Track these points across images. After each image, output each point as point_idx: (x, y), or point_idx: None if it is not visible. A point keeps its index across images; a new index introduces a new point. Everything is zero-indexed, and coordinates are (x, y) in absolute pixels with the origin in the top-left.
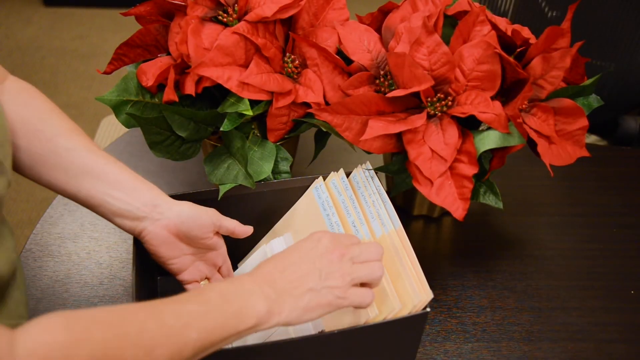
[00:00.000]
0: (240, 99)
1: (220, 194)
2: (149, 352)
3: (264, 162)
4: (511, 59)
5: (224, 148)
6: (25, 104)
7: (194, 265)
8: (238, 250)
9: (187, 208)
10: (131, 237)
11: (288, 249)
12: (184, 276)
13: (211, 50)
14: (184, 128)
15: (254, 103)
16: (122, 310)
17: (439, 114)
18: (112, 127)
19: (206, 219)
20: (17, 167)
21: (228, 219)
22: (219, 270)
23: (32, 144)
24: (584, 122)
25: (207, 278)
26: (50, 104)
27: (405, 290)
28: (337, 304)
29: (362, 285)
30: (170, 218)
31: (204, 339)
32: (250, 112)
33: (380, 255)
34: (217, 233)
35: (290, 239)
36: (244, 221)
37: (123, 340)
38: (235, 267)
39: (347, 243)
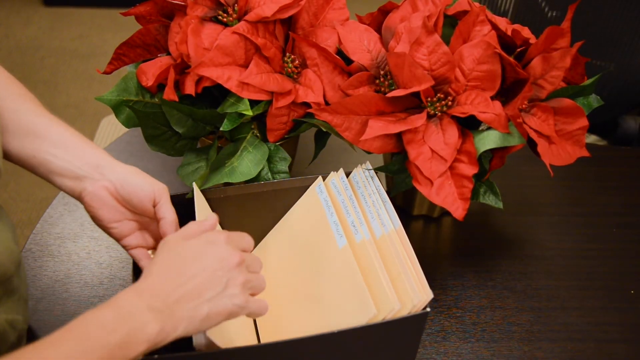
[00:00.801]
0: (240, 99)
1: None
2: None
3: (252, 165)
4: (511, 59)
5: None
6: None
7: (139, 233)
8: None
9: (131, 174)
10: None
11: (181, 251)
12: (127, 241)
13: (211, 50)
14: (182, 124)
15: (253, 103)
16: None
17: (439, 114)
18: (112, 127)
19: (148, 191)
20: None
21: (170, 207)
22: None
23: None
24: (584, 122)
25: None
26: (0, 70)
27: (405, 290)
28: (236, 312)
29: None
30: (111, 180)
31: None
32: (250, 112)
33: (261, 267)
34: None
35: None
36: (244, 221)
37: None
38: None
39: (242, 245)
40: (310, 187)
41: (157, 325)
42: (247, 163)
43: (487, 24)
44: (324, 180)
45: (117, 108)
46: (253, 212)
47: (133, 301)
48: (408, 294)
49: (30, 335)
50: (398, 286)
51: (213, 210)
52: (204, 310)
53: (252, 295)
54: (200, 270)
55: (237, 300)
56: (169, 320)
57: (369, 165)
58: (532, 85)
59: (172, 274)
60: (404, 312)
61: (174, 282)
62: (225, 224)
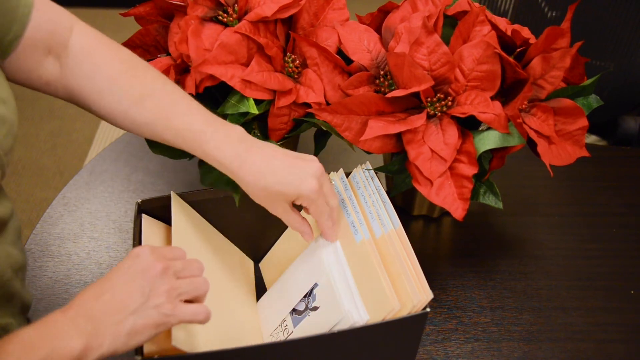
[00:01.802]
0: (241, 100)
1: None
2: None
3: None
4: (511, 59)
5: None
6: (94, 72)
7: None
8: (258, 247)
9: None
10: (131, 236)
11: (109, 272)
12: None
13: (215, 48)
14: None
15: (255, 103)
16: None
17: (439, 114)
18: (112, 127)
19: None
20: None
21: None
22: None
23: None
24: (583, 122)
25: None
26: (116, 70)
27: (405, 290)
28: (165, 322)
29: (190, 301)
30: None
31: None
32: (255, 111)
33: (202, 271)
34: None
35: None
36: (245, 221)
37: None
38: (256, 266)
39: (169, 255)
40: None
41: (81, 341)
42: None
43: (487, 24)
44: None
45: None
46: (254, 212)
47: (57, 318)
48: (408, 294)
49: None
50: (398, 286)
51: (213, 210)
52: (129, 323)
53: (193, 301)
54: (121, 282)
55: (163, 309)
56: (93, 337)
57: (369, 165)
58: (532, 86)
59: (97, 290)
60: (404, 312)
61: (97, 298)
62: (225, 224)
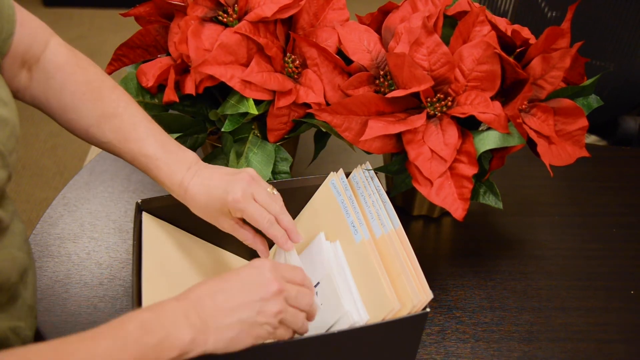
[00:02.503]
0: (241, 100)
1: None
2: None
3: (263, 167)
4: (511, 59)
5: (222, 149)
6: (60, 88)
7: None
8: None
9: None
10: (131, 236)
11: (227, 274)
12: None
13: (214, 49)
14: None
15: (255, 103)
16: (29, 354)
17: (439, 114)
18: None
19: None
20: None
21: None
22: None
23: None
24: (583, 122)
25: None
26: (81, 90)
27: (405, 290)
28: (264, 337)
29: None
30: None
31: None
32: (255, 111)
33: (311, 306)
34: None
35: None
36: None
37: None
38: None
39: (288, 276)
40: (326, 181)
41: (191, 334)
42: (255, 165)
43: (487, 24)
44: (328, 179)
45: None
46: None
47: (174, 307)
48: (408, 294)
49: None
50: (398, 286)
51: None
52: (234, 330)
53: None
54: (237, 288)
55: (267, 327)
56: (201, 333)
57: (368, 165)
58: (532, 86)
59: (213, 288)
60: (403, 312)
61: (212, 296)
62: None
